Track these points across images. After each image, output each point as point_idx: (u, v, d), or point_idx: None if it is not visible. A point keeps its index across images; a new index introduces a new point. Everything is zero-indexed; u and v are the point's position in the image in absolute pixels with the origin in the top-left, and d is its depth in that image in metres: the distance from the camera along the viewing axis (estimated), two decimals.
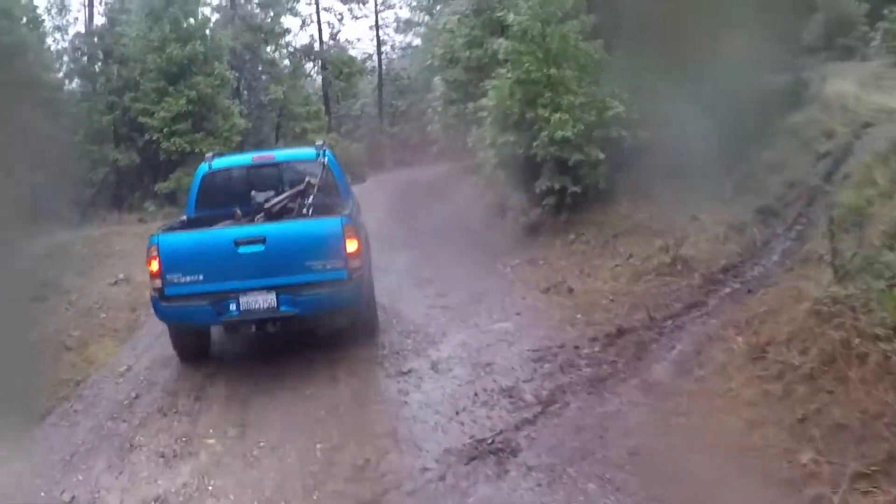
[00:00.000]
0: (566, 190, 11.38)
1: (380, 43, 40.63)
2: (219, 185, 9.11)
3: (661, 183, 9.50)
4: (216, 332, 8.52)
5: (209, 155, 9.67)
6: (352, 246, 7.35)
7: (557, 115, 11.29)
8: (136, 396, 7.79)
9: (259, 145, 33.08)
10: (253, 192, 8.79)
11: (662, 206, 10.39)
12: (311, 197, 8.56)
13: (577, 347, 7.69)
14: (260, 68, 33.50)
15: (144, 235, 8.76)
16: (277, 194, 8.74)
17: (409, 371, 7.67)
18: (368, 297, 8.27)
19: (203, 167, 9.22)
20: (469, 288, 10.28)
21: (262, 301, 7.33)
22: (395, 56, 42.37)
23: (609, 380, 6.76)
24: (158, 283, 7.32)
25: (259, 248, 7.30)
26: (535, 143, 11.67)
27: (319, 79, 37.53)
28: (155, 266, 7.31)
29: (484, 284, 10.42)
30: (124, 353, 9.35)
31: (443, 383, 7.30)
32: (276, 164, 9.35)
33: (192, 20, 21.69)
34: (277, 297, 7.32)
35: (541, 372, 7.20)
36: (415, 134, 39.49)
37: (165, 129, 20.38)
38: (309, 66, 37.03)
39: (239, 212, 8.62)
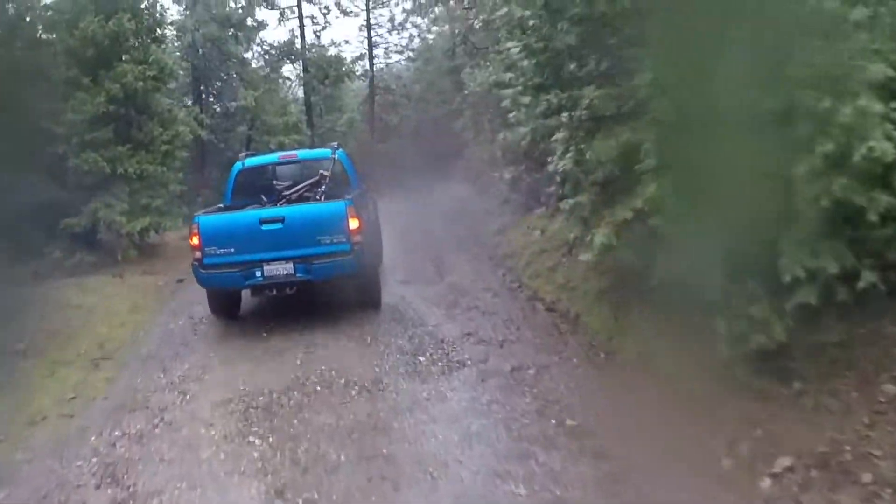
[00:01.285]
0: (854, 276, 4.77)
1: (371, 45, 34.46)
2: (250, 179, 10.74)
3: None
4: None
5: (242, 154, 11.63)
6: (354, 224, 8.84)
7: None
8: None
9: (223, 164, 27.47)
10: (275, 182, 10.93)
11: None
12: (324, 186, 10.42)
13: None
14: (228, 70, 27.20)
15: None
16: (296, 185, 10.70)
17: None
18: (373, 271, 9.78)
19: (238, 165, 10.81)
20: None
21: (282, 269, 8.86)
22: (389, 60, 36.24)
23: None
24: (198, 254, 8.95)
25: (279, 226, 8.89)
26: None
27: (300, 85, 31.13)
28: (196, 241, 8.96)
29: None
30: None
31: None
32: (297, 162, 11.56)
33: None
34: (294, 266, 8.84)
35: None
36: (409, 152, 34.17)
37: (76, 139, 13.67)
38: (288, 68, 30.71)
39: (265, 199, 10.61)
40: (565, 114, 7.51)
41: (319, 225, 8.89)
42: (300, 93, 31.89)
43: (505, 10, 8.27)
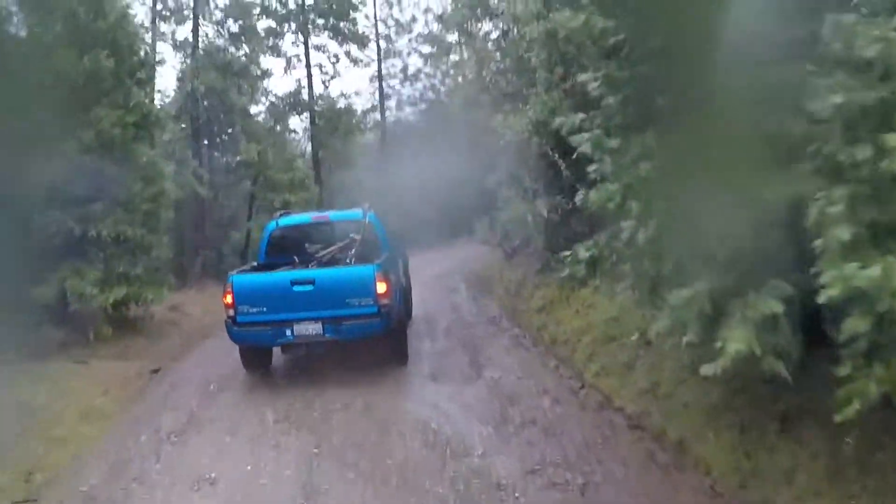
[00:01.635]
0: None
1: (383, 95, 32.63)
2: (283, 239, 10.98)
3: None
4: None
5: (276, 214, 12.07)
6: (381, 288, 9.03)
7: None
8: None
9: (223, 222, 25.44)
10: (307, 245, 10.79)
11: None
12: (354, 249, 10.48)
13: None
14: (230, 121, 25.28)
15: None
16: (327, 248, 10.66)
17: None
18: (401, 329, 10.11)
19: (272, 224, 11.33)
20: None
21: (311, 329, 9.10)
22: (401, 114, 34.45)
23: None
24: (231, 311, 9.19)
25: (309, 287, 9.12)
26: None
27: (307, 140, 29.15)
28: (229, 299, 9.19)
29: None
30: None
31: None
32: (329, 223, 11.22)
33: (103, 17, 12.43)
34: (323, 326, 9.07)
35: None
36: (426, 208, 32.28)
37: (41, 195, 10.99)
38: (294, 121, 28.80)
39: (297, 259, 10.65)
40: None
41: (348, 288, 9.14)
42: (308, 147, 29.92)
43: (575, 22, 6.11)
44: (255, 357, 9.89)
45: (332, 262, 10.40)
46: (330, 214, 11.69)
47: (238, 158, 24.15)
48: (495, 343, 10.52)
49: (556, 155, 10.96)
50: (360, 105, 31.23)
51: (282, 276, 9.63)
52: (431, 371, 9.28)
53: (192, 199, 23.04)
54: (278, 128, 27.17)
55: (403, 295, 11.28)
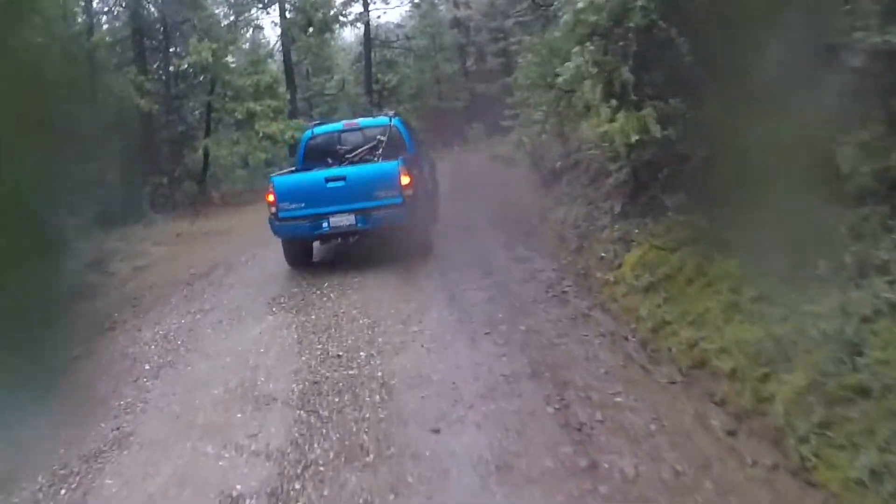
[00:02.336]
0: None
1: None
2: (318, 145, 11.93)
3: None
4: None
5: (312, 124, 13.14)
6: (405, 180, 9.87)
7: None
8: None
9: (174, 141, 20.88)
10: (338, 147, 11.79)
11: None
12: (381, 149, 11.46)
13: None
14: (180, 17, 20.36)
15: None
16: (356, 149, 11.68)
17: None
18: (425, 222, 11.01)
19: (308, 133, 12.32)
20: None
21: (345, 220, 10.09)
22: (387, 6, 29.32)
23: None
24: (274, 209, 10.22)
25: (342, 183, 10.05)
26: None
27: (277, 38, 24.15)
28: (271, 198, 10.20)
29: None
30: None
31: None
32: (359, 129, 12.05)
33: None
34: (355, 217, 10.06)
35: None
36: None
37: None
38: (260, 14, 23.75)
39: (330, 161, 11.53)
40: None
41: (376, 182, 10.04)
42: (277, 46, 24.91)
43: None
44: (297, 252, 10.95)
45: (361, 161, 11.37)
46: (360, 121, 12.52)
47: (188, 61, 19.29)
48: (577, 352, 6.17)
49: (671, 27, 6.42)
50: None
51: (316, 174, 10.50)
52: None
53: (136, 116, 18.45)
54: (239, 21, 22.16)
55: (428, 194, 11.88)
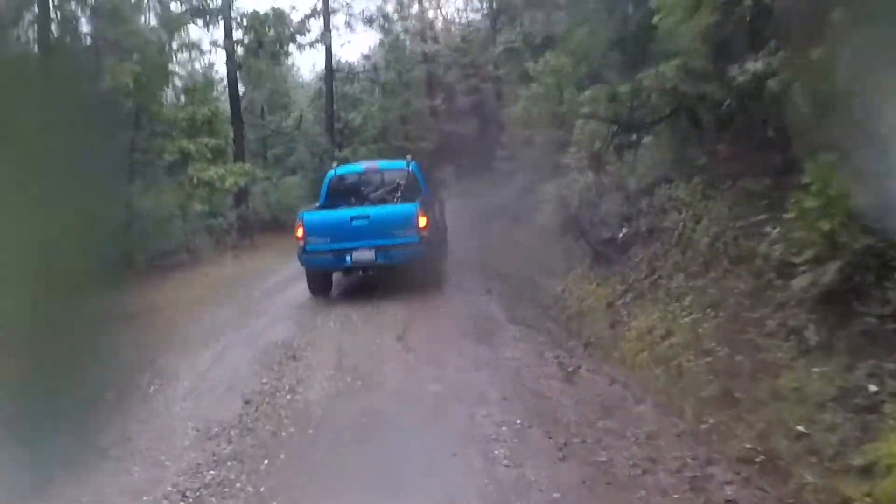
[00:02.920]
0: None
1: (328, 8, 23.78)
2: (341, 185, 12.97)
3: None
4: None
5: (334, 164, 14.54)
6: (422, 222, 10.81)
7: None
8: None
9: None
10: (362, 188, 13.01)
11: None
12: (400, 192, 12.58)
13: None
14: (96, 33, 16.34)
15: None
16: (377, 190, 12.94)
17: None
18: (438, 258, 12.20)
19: (331, 173, 13.25)
20: None
21: (366, 255, 10.99)
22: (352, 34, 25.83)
23: None
24: (302, 243, 11.12)
25: (365, 222, 11.04)
26: None
27: (226, 63, 20.18)
28: (300, 233, 11.13)
29: None
30: None
31: None
32: (379, 171, 13.40)
33: None
34: (375, 253, 10.95)
35: None
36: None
37: None
38: (200, 33, 19.77)
39: (353, 200, 12.77)
40: None
41: (396, 222, 11.01)
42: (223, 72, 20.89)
43: None
44: (320, 282, 11.78)
45: (382, 201, 12.56)
46: (379, 164, 14.03)
47: (103, 86, 15.13)
48: None
49: None
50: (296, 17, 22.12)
51: (342, 213, 11.57)
52: None
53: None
54: (174, 42, 18.06)
55: (440, 231, 12.75)
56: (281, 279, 13.56)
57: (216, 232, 16.94)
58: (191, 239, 16.56)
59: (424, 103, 35.67)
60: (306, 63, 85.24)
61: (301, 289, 11.80)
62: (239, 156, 19.08)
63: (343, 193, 12.78)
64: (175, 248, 16.47)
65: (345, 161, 18.92)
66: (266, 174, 22.89)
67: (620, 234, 8.82)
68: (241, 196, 18.44)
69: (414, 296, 10.75)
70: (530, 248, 12.88)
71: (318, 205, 12.69)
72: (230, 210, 17.90)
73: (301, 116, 24.81)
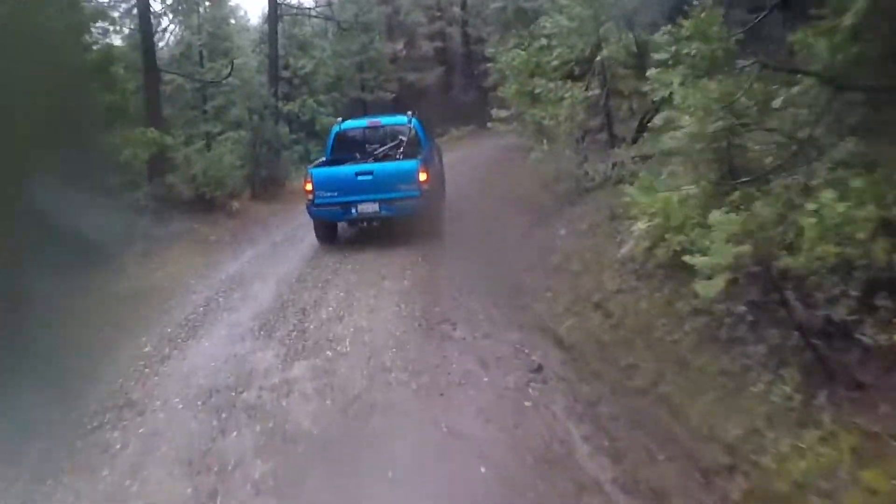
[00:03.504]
0: None
1: None
2: (345, 139, 13.72)
3: None
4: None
5: (339, 119, 14.70)
6: (423, 177, 11.68)
7: None
8: None
9: None
10: (366, 140, 13.68)
11: None
12: (402, 147, 13.24)
13: None
14: None
15: None
16: (382, 146, 13.46)
17: None
18: (437, 209, 12.93)
19: (336, 128, 13.93)
20: None
21: (370, 207, 11.93)
22: None
23: None
24: (311, 196, 12.12)
25: (369, 177, 11.89)
26: None
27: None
28: (309, 187, 12.09)
29: None
30: None
31: None
32: (381, 126, 13.88)
33: None
34: (379, 206, 11.89)
35: None
36: None
37: None
38: None
39: (358, 155, 13.45)
40: None
41: (398, 177, 11.79)
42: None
43: None
44: (326, 231, 12.85)
45: (385, 157, 13.18)
46: (382, 119, 14.31)
47: None
48: None
49: None
50: None
51: (348, 168, 12.32)
52: None
53: None
54: None
55: (440, 183, 13.86)
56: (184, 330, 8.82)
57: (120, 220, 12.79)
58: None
59: (384, 49, 31.77)
60: (255, 5, 79.47)
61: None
62: (155, 117, 14.84)
63: (348, 146, 13.64)
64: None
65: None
66: (200, 133, 18.78)
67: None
68: (156, 167, 14.28)
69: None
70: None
71: (323, 159, 13.98)
72: (140, 189, 13.77)
73: (232, 63, 20.41)
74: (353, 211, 11.94)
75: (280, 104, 22.00)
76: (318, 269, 10.89)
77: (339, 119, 14.68)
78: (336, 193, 11.89)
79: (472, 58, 35.63)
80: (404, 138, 13.29)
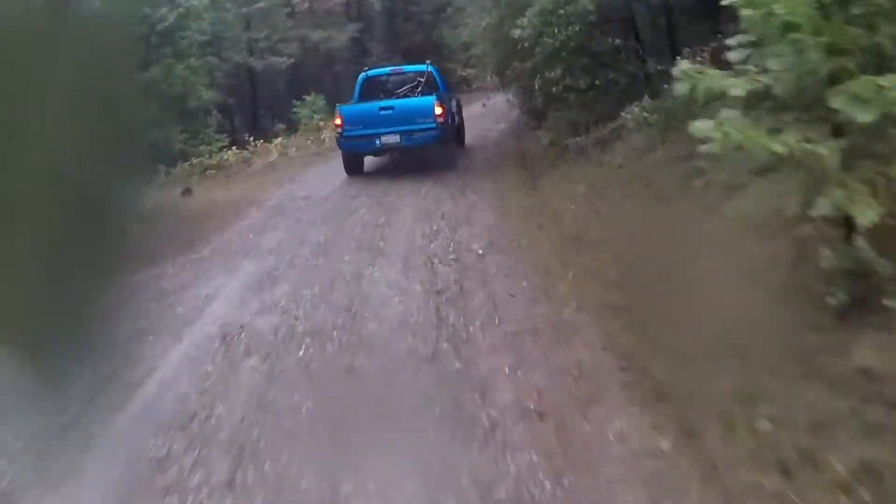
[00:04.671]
0: None
1: None
2: (371, 83, 15.28)
3: None
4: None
5: (365, 69, 16.28)
6: (438, 111, 13.02)
7: None
8: None
9: None
10: (389, 85, 15.38)
11: None
12: (420, 88, 14.79)
13: None
14: None
15: None
16: (402, 86, 15.20)
17: None
18: (452, 143, 14.46)
19: (363, 75, 15.50)
20: None
21: (393, 139, 13.16)
22: None
23: None
24: (340, 130, 13.52)
25: (391, 111, 13.21)
26: None
27: None
28: (338, 121, 13.56)
29: None
30: None
31: None
32: (403, 73, 15.69)
33: None
34: (400, 137, 13.11)
35: None
36: None
37: None
38: None
39: (382, 96, 14.77)
40: None
41: (417, 111, 13.13)
42: None
43: None
44: (354, 163, 14.15)
45: (405, 96, 14.59)
46: (403, 67, 16.30)
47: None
48: None
49: None
50: None
51: (372, 104, 13.76)
52: None
53: None
54: None
55: (455, 122, 15.28)
56: None
57: None
58: None
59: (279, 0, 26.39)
60: None
61: None
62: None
63: (373, 90, 15.10)
64: None
65: None
66: None
67: None
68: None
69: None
70: None
71: (352, 101, 15.13)
72: None
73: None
74: (377, 142, 13.32)
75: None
76: None
77: (366, 68, 16.63)
78: (362, 126, 13.32)
79: (394, 14, 30.47)
80: (422, 80, 15.01)
